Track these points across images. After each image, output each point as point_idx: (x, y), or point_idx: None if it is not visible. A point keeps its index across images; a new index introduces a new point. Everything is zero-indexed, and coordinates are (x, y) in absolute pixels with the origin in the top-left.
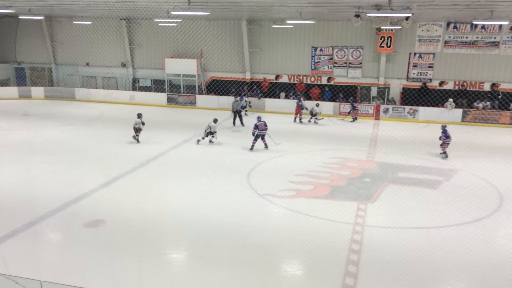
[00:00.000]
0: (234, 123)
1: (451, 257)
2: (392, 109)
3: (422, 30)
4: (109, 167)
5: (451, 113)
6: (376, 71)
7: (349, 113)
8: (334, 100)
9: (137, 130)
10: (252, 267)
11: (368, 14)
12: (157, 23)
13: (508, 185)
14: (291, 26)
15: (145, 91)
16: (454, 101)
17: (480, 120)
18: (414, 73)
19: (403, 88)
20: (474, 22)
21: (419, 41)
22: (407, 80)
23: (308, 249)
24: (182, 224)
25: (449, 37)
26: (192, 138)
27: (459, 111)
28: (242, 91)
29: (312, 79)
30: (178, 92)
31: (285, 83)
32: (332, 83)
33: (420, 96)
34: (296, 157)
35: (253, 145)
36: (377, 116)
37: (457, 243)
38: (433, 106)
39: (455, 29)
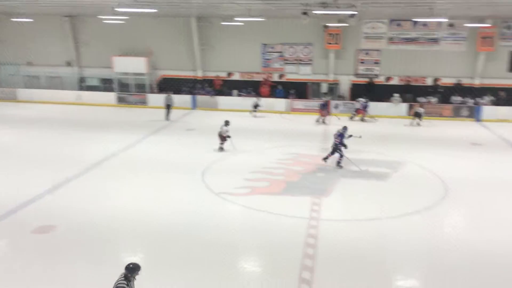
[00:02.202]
0: (167, 118)
1: (402, 246)
2: (343, 105)
3: (368, 27)
4: (57, 170)
5: (397, 107)
6: (325, 67)
7: (356, 111)
8: (286, 97)
9: (224, 139)
10: (209, 266)
11: (314, 12)
12: (102, 20)
13: (452, 175)
14: (241, 24)
15: (93, 90)
16: (400, 96)
17: (424, 113)
18: (361, 69)
19: (352, 84)
20: (415, 20)
21: (365, 38)
22: (355, 76)
23: (265, 245)
24: (137, 228)
25: (393, 34)
26: (145, 138)
27: (405, 105)
28: (195, 89)
29: (264, 76)
30: (128, 91)
31: (237, 81)
32: (283, 80)
33: (368, 91)
34: (251, 154)
35: (326, 157)
36: (329, 112)
37: (407, 232)
38: (380, 101)
39: (398, 26)
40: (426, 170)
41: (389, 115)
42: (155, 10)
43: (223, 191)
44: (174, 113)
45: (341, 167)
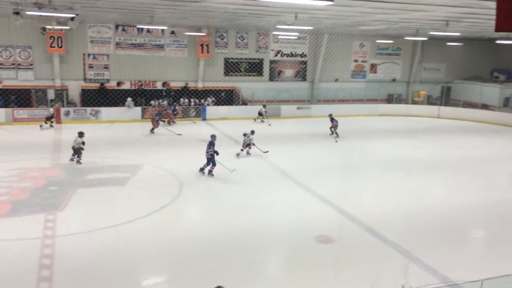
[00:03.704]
0: None
1: (145, 247)
2: (74, 112)
3: (93, 31)
4: None
5: (132, 111)
6: (50, 72)
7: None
8: (6, 106)
9: (78, 151)
10: None
11: (28, 12)
12: None
13: (185, 172)
14: None
15: None
16: (133, 100)
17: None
18: (91, 74)
19: (82, 90)
20: (138, 26)
21: (92, 42)
22: (85, 81)
23: None
24: None
25: (120, 39)
26: None
27: (139, 109)
28: None
29: None
30: None
31: None
32: (0, 86)
33: (100, 96)
34: None
35: (207, 169)
36: (58, 120)
37: (150, 233)
38: (114, 106)
39: (124, 32)
40: (163, 170)
41: (124, 119)
42: None
43: None
44: None
45: (212, 175)
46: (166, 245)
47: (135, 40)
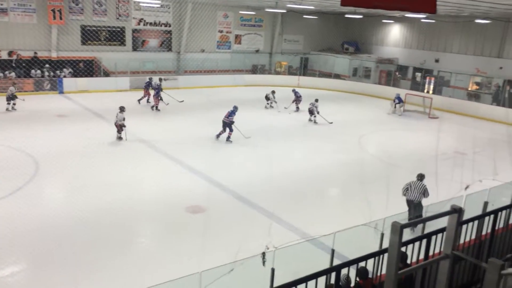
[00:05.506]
0: None
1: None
2: None
3: None
4: None
5: None
6: None
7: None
8: None
9: (121, 127)
10: None
11: None
12: None
13: (40, 150)
14: None
15: None
16: None
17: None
18: None
19: None
20: None
21: None
22: None
23: None
24: None
25: None
26: None
27: None
28: None
29: None
30: None
31: None
32: None
33: None
34: None
35: (219, 134)
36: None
37: (1, 219)
38: None
39: None
40: (14, 149)
41: None
42: None
43: None
44: None
45: (230, 141)
46: (24, 230)
47: None
